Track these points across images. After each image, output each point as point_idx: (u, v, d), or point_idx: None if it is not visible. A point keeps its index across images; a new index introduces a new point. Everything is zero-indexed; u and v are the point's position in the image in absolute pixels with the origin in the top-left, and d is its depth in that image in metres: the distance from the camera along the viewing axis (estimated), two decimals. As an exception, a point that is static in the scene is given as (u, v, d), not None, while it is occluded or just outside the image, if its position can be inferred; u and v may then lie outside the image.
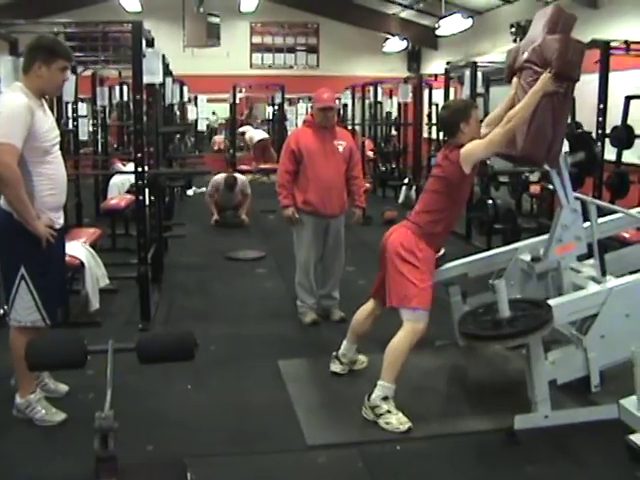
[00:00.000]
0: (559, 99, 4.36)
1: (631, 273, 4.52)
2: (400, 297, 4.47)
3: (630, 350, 3.97)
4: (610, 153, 8.24)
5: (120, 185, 10.62)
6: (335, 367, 5.13)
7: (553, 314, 3.99)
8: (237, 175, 11.65)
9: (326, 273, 6.44)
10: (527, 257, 4.83)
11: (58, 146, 4.37)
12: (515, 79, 4.65)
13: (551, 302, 4.17)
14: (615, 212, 5.29)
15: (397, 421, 4.32)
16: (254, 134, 16.57)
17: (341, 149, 6.20)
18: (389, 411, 4.35)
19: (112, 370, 2.50)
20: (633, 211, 5.33)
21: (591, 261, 4.78)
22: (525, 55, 4.51)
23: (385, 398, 4.36)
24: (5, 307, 4.41)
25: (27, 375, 4.30)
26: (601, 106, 7.69)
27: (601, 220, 5.06)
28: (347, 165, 6.24)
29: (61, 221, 4.41)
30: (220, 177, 11.37)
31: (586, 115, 8.80)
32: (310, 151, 6.16)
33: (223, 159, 17.92)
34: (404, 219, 4.67)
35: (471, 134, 4.44)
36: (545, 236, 4.91)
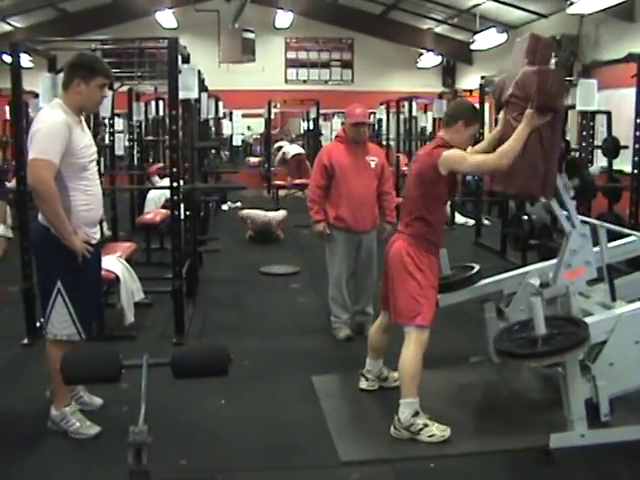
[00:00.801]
0: (546, 132, 4.29)
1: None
2: (405, 315, 4.50)
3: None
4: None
5: (157, 200, 10.69)
6: (362, 384, 5.12)
7: (590, 332, 3.94)
8: (270, 215, 11.56)
9: (359, 288, 6.42)
10: (536, 282, 4.77)
11: (95, 162, 4.41)
12: (502, 112, 4.63)
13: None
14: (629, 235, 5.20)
15: (439, 430, 4.33)
16: (289, 149, 16.61)
17: (373, 165, 6.19)
18: (426, 424, 4.34)
19: (146, 385, 2.50)
20: None
21: (602, 286, 4.72)
22: (509, 90, 4.48)
23: (416, 414, 4.34)
24: (42, 320, 4.45)
25: (63, 388, 4.33)
26: (638, 120, 7.62)
27: (613, 244, 4.99)
28: (378, 181, 6.23)
29: (97, 236, 4.45)
30: (253, 217, 11.35)
31: (623, 129, 8.76)
32: (342, 166, 6.16)
33: (258, 174, 17.99)
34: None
35: (461, 138, 4.48)
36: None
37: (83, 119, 4.43)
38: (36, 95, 7.79)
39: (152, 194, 10.88)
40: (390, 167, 16.05)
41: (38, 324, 6.20)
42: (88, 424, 4.43)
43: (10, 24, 16.69)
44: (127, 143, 12.16)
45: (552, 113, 4.27)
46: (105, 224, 8.83)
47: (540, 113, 4.21)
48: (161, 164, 13.04)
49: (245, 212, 11.57)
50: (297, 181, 15.28)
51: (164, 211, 9.60)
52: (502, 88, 4.66)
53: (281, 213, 11.56)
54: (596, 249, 4.65)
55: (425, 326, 4.45)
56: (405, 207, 4.67)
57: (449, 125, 4.53)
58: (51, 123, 4.11)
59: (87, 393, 4.75)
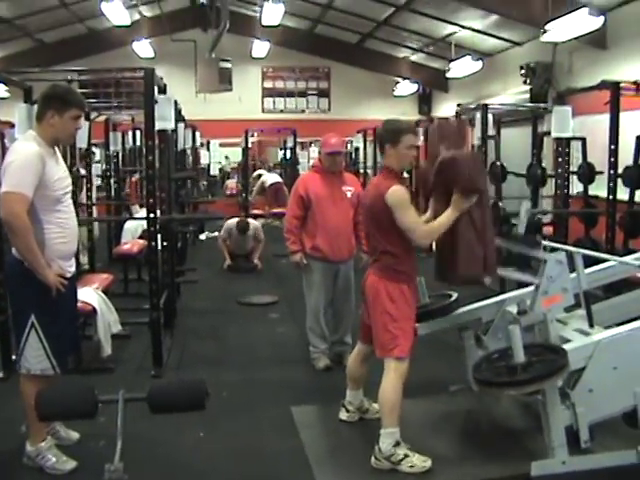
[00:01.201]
0: (476, 213, 4.34)
1: (622, 323, 4.46)
2: (383, 348, 4.50)
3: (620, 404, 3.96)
4: (622, 193, 8.22)
5: (133, 230, 10.65)
6: (342, 415, 5.10)
7: (568, 359, 3.94)
8: (250, 220, 11.67)
9: (337, 318, 6.40)
10: (514, 309, 4.78)
11: (70, 195, 4.38)
12: (431, 201, 4.67)
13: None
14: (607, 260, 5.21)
15: (419, 461, 4.31)
16: (268, 177, 16.62)
17: (349, 194, 6.19)
18: (407, 455, 4.31)
19: (123, 420, 2.48)
20: (629, 257, 5.28)
21: (579, 312, 4.73)
22: (435, 178, 4.53)
23: (397, 444, 4.32)
24: (16, 354, 4.40)
25: (38, 423, 4.26)
26: (612, 147, 7.69)
27: (590, 270, 4.99)
28: (355, 210, 6.23)
29: (72, 269, 4.40)
30: (233, 222, 11.40)
31: (598, 155, 8.82)
32: (318, 197, 6.16)
33: (236, 203, 17.98)
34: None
35: (397, 159, 4.47)
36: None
37: (58, 151, 4.40)
38: (12, 125, 7.77)
39: (129, 224, 10.84)
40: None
41: (14, 357, 6.14)
42: (64, 459, 4.36)
43: (-13, 53, 16.68)
44: (105, 173, 12.13)
45: (477, 194, 4.31)
46: (82, 255, 8.78)
47: (466, 197, 4.26)
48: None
49: (227, 222, 11.53)
50: (275, 210, 15.28)
51: (141, 241, 9.57)
52: (426, 176, 4.72)
53: (257, 223, 11.67)
54: (573, 275, 4.66)
55: (403, 357, 4.44)
56: (369, 242, 4.69)
57: (382, 152, 4.56)
58: (24, 155, 4.08)
59: (63, 427, 4.68)
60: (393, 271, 4.47)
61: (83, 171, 10.17)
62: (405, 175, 4.71)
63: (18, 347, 4.30)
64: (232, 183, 19.71)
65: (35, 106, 6.36)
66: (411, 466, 4.29)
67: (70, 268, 4.37)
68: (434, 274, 4.83)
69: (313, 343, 6.35)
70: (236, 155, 19.10)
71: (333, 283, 6.23)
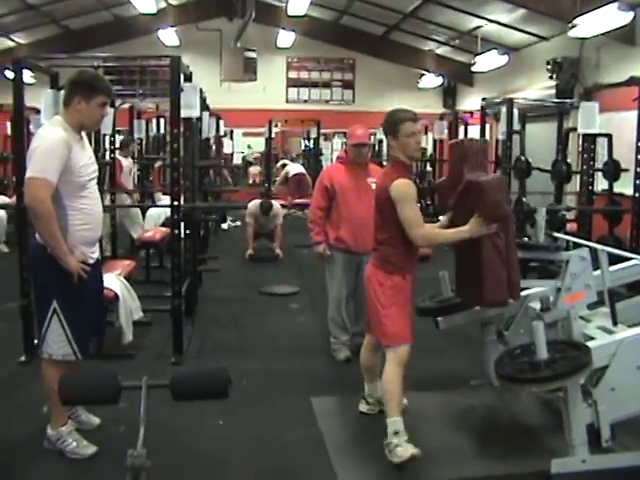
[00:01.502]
0: (500, 239, 4.30)
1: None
2: (383, 337, 4.55)
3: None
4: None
5: (156, 217, 10.69)
6: (362, 407, 5.10)
7: (592, 356, 3.92)
8: (272, 201, 11.67)
9: (358, 310, 6.38)
10: (537, 306, 4.75)
11: (95, 181, 4.39)
12: (447, 216, 4.67)
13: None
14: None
15: (403, 450, 4.27)
16: (290, 168, 16.63)
17: (374, 186, 6.16)
18: (397, 445, 4.28)
19: (145, 407, 2.48)
20: None
21: (603, 309, 4.70)
22: (457, 198, 4.50)
23: (396, 432, 4.31)
24: (38, 339, 4.42)
25: (59, 407, 4.30)
26: (639, 143, 7.61)
27: (614, 268, 4.94)
28: None
29: (95, 255, 4.41)
30: (256, 203, 11.39)
31: (623, 153, 8.76)
32: (343, 188, 6.14)
33: (258, 193, 17.99)
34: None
35: (400, 148, 4.47)
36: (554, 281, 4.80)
37: (84, 136, 4.41)
38: (37, 111, 7.80)
39: (152, 212, 10.87)
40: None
41: (36, 342, 6.19)
42: (85, 444, 4.39)
43: (13, 40, 16.75)
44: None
45: (499, 221, 4.28)
46: (104, 242, 8.81)
47: (488, 223, 4.23)
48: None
49: (250, 205, 11.54)
50: (297, 200, 15.29)
51: (164, 229, 9.59)
52: (445, 192, 4.74)
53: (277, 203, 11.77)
54: (597, 272, 4.63)
55: (393, 346, 4.46)
56: (374, 230, 4.70)
57: (388, 143, 4.60)
58: (50, 141, 4.09)
59: (85, 412, 4.71)
60: (387, 262, 4.50)
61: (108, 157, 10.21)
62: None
63: (40, 332, 4.33)
64: (255, 170, 19.70)
65: (61, 92, 6.42)
66: (394, 455, 4.28)
67: (93, 254, 4.37)
68: (457, 293, 4.83)
69: (334, 334, 6.35)
70: (259, 145, 19.11)
71: (356, 275, 6.21)
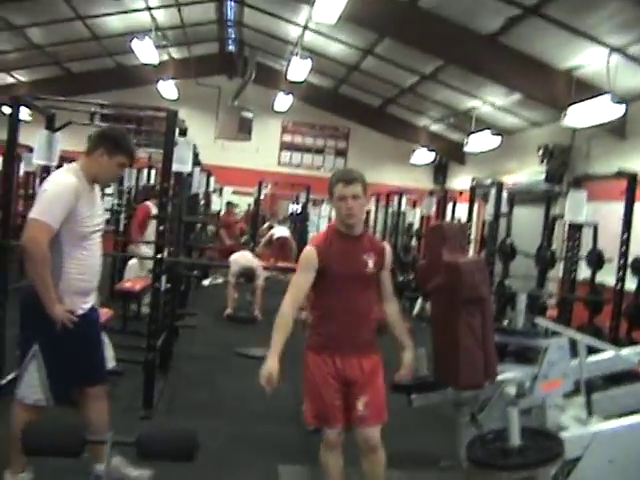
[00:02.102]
0: (477, 321, 4.25)
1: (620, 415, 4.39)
2: None
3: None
4: (630, 282, 8.19)
5: (137, 268, 10.62)
6: None
7: (564, 448, 3.88)
8: (253, 262, 11.60)
9: None
10: (512, 391, 4.72)
11: (100, 233, 4.40)
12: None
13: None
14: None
15: None
16: (275, 231, 16.68)
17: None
18: None
19: (109, 464, 2.43)
20: (631, 350, 5.22)
21: (578, 399, 4.66)
22: (435, 280, 4.48)
23: None
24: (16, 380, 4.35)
25: (20, 453, 4.20)
26: (625, 236, 7.69)
27: (592, 358, 4.94)
28: None
29: (87, 305, 4.36)
30: (237, 259, 11.35)
31: (608, 242, 8.81)
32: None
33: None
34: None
35: (335, 212, 4.36)
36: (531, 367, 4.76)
37: (97, 189, 4.42)
38: (30, 149, 7.81)
39: (133, 261, 10.81)
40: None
41: (3, 382, 6.09)
42: None
43: (14, 77, 16.89)
44: (116, 208, 12.16)
45: (478, 304, 4.27)
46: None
47: (467, 305, 4.22)
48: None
49: (232, 257, 11.50)
50: (280, 264, 15.27)
51: (144, 280, 9.53)
52: (424, 274, 4.72)
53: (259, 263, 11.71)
54: (574, 361, 4.61)
55: (309, 425, 4.50)
56: None
57: None
58: (59, 186, 4.13)
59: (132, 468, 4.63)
60: (310, 336, 4.44)
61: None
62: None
63: (19, 372, 4.28)
64: (240, 223, 19.62)
65: (56, 134, 6.46)
66: None
67: (85, 305, 4.33)
68: (434, 375, 4.78)
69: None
70: (243, 203, 19.06)
71: None
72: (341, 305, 4.24)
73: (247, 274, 11.27)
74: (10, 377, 6.24)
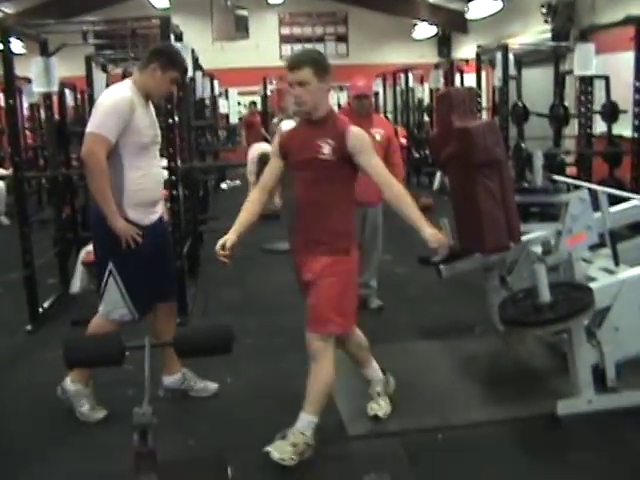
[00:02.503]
0: (494, 184, 4.24)
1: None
2: None
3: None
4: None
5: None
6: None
7: (594, 297, 3.92)
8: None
9: (364, 261, 6.38)
10: (538, 249, 4.74)
11: (158, 146, 4.42)
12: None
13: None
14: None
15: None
16: (283, 124, 16.52)
17: (378, 137, 6.09)
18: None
19: (149, 366, 2.49)
20: None
21: (605, 251, 4.69)
22: (448, 148, 4.46)
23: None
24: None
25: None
26: (637, 84, 7.57)
27: (614, 209, 4.92)
28: (385, 153, 6.15)
29: (153, 217, 4.38)
30: (257, 149, 11.28)
31: (621, 94, 8.69)
32: None
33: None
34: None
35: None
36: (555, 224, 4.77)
37: (151, 104, 4.41)
38: (29, 81, 7.75)
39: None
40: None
41: (41, 310, 6.22)
42: (97, 409, 4.41)
43: (1, 10, 16.61)
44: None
45: (493, 166, 4.23)
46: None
47: (483, 169, 4.19)
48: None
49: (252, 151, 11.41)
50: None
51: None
52: (439, 144, 4.67)
53: None
54: (597, 214, 4.61)
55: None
56: None
57: None
58: (113, 99, 4.13)
59: (199, 379, 4.75)
60: None
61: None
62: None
63: (99, 290, 4.36)
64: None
65: (51, 59, 6.39)
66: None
67: (151, 216, 4.35)
68: (459, 244, 4.78)
69: None
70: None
71: (362, 226, 6.20)
72: (297, 197, 3.99)
73: (265, 160, 11.19)
74: (46, 305, 6.41)
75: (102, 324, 4.30)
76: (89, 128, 4.08)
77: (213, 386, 4.77)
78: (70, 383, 4.39)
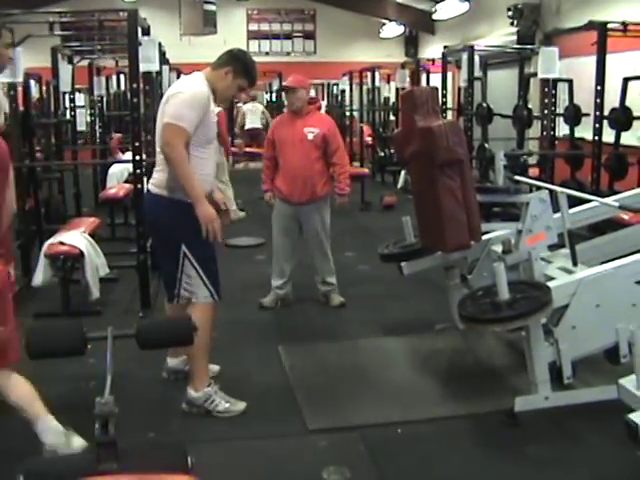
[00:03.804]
0: (456, 183, 4.32)
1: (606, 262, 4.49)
2: None
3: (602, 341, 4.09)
4: (608, 135, 8.23)
5: (119, 174, 10.61)
6: None
7: (552, 296, 3.99)
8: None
9: (314, 260, 6.46)
10: (499, 248, 4.82)
11: (215, 140, 4.49)
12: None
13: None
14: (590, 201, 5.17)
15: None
16: (247, 121, 16.45)
17: (311, 136, 6.13)
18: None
19: (112, 356, 2.50)
20: (611, 198, 5.29)
21: (563, 251, 4.77)
22: (411, 147, 4.53)
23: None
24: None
25: (203, 367, 4.38)
26: (599, 88, 7.69)
27: (574, 210, 5.02)
28: (322, 152, 6.21)
29: None
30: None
31: (584, 98, 8.81)
32: (281, 139, 6.25)
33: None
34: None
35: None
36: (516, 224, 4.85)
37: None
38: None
39: (114, 169, 10.77)
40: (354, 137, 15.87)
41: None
42: (234, 400, 4.41)
43: (-36, 0, 16.39)
44: (89, 118, 12.02)
45: (456, 165, 4.30)
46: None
47: (445, 167, 4.26)
48: (119, 134, 12.84)
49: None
50: (249, 149, 15.24)
51: (127, 186, 9.54)
52: (402, 143, 4.73)
53: None
54: (557, 215, 4.69)
55: None
56: None
57: None
58: (194, 92, 4.15)
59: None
60: None
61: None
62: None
63: (175, 280, 4.32)
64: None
65: (17, 49, 6.35)
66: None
67: None
68: (421, 242, 4.87)
69: (272, 279, 6.49)
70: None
71: (298, 225, 6.30)
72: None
73: None
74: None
75: (198, 315, 4.05)
76: (168, 119, 4.09)
77: (215, 368, 4.80)
78: (194, 393, 4.36)
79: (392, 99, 15.72)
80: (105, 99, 13.12)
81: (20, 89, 7.42)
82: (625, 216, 5.98)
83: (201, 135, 4.17)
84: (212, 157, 4.39)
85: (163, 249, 4.43)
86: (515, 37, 12.91)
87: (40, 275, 6.13)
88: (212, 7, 15.12)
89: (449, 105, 11.82)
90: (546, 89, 8.53)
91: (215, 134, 4.42)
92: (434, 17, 15.84)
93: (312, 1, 19.79)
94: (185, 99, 4.11)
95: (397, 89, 14.94)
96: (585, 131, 8.83)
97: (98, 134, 11.86)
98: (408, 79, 13.92)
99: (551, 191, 4.82)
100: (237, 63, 4.35)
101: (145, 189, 4.79)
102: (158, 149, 4.24)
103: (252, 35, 20.28)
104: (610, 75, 7.77)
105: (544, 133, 8.90)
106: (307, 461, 3.90)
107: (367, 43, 19.73)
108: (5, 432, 4.08)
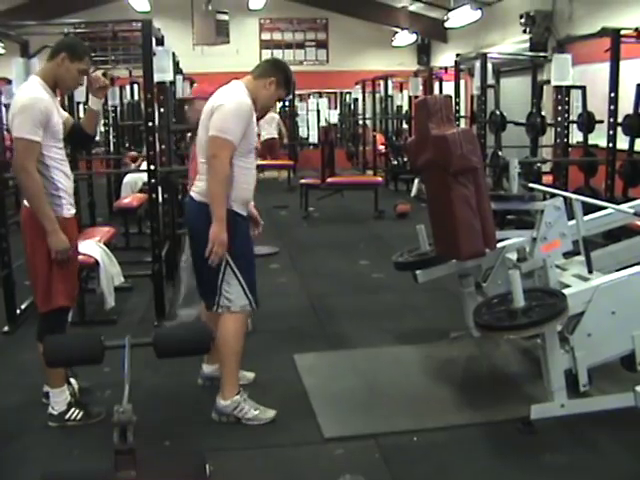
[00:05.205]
0: (470, 191, 4.33)
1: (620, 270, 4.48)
2: None
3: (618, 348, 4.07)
4: (622, 142, 8.21)
5: (133, 184, 10.64)
6: None
7: (568, 303, 3.98)
8: None
9: None
10: (514, 256, 4.81)
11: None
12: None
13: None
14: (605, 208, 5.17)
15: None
16: (263, 132, 16.54)
17: None
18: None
19: (129, 365, 2.51)
20: (625, 205, 5.28)
21: (578, 258, 4.76)
22: (425, 155, 4.53)
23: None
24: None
25: (233, 374, 4.38)
26: (612, 94, 7.68)
27: (589, 217, 5.01)
28: None
29: (245, 213, 4.42)
30: None
31: (598, 105, 8.80)
32: None
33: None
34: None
35: None
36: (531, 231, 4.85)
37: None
38: (9, 82, 7.73)
39: (128, 178, 10.81)
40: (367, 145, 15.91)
41: (18, 311, 6.20)
42: (263, 408, 4.41)
43: (-19, 10, 16.54)
44: (103, 128, 12.07)
45: (470, 173, 4.30)
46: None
47: (460, 176, 4.27)
48: (134, 152, 12.87)
49: None
50: (272, 162, 15.23)
51: (141, 195, 9.58)
52: (414, 151, 4.75)
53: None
54: (572, 222, 4.69)
55: None
56: None
57: None
58: (238, 104, 4.16)
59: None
60: None
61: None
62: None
63: (215, 287, 4.32)
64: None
65: (32, 60, 6.40)
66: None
67: (245, 212, 4.40)
68: (436, 251, 4.87)
69: None
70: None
71: None
72: None
73: None
74: (24, 306, 6.38)
75: (230, 324, 4.32)
76: (214, 132, 4.10)
77: (250, 375, 4.86)
78: (223, 401, 4.36)
79: (405, 107, 15.76)
80: (119, 109, 13.19)
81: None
82: (640, 223, 5.97)
83: (244, 145, 4.19)
84: (254, 166, 4.42)
85: (204, 256, 4.42)
86: (528, 44, 12.90)
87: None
88: (225, 17, 15.17)
89: (462, 113, 11.83)
90: (559, 96, 8.52)
91: (255, 143, 4.43)
92: (446, 25, 15.83)
93: (324, 10, 19.81)
94: (230, 113, 4.12)
95: (410, 97, 14.98)
96: (599, 138, 8.82)
97: (112, 144, 11.92)
98: (421, 87, 13.94)
99: (565, 198, 4.82)
100: (280, 74, 4.36)
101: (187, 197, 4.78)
102: (202, 160, 4.24)
103: (264, 44, 20.31)
104: (624, 81, 7.76)
105: (558, 140, 8.88)
106: (323, 469, 3.90)
107: (379, 52, 19.73)
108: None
